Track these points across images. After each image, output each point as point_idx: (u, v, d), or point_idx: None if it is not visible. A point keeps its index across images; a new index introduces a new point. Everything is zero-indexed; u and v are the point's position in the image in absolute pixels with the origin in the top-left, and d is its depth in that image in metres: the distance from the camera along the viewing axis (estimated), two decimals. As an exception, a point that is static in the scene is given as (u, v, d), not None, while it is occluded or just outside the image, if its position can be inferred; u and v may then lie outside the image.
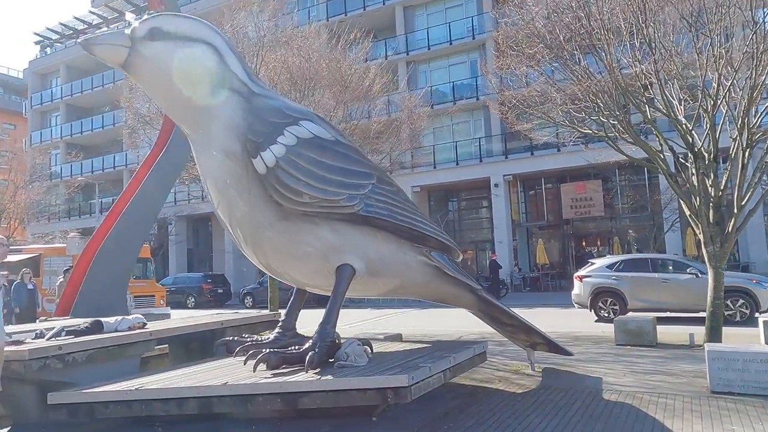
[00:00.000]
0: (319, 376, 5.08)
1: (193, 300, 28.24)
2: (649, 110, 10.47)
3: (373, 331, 12.09)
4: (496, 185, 28.28)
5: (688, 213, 9.83)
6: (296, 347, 5.78)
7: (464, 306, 7.70)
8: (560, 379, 7.31)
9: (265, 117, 5.59)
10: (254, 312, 12.64)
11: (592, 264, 14.93)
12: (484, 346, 7.14)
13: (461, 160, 29.45)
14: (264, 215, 5.63)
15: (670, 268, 13.83)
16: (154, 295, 19.10)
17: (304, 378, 5.08)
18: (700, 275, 12.49)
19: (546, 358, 8.37)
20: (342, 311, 6.05)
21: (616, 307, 13.60)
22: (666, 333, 10.64)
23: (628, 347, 9.53)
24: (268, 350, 5.62)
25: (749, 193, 9.41)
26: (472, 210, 33.40)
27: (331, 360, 5.51)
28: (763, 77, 8.83)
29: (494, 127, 29.56)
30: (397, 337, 9.98)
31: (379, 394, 4.87)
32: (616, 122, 10.27)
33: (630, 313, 12.71)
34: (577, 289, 14.44)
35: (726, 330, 9.45)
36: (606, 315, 13.63)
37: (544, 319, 13.23)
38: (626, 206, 25.14)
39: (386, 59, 26.35)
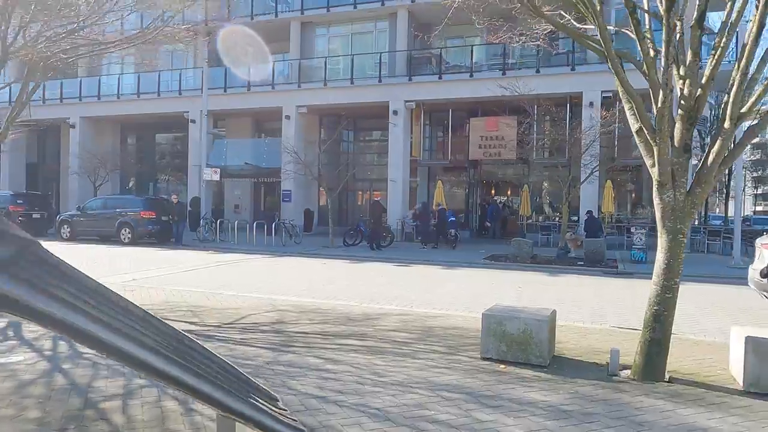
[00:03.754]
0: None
1: (-3, 225, 21.82)
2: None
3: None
4: (395, 112, 23.33)
5: (636, 128, 5.25)
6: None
7: None
8: None
9: None
10: None
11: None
12: None
13: (357, 79, 24.18)
14: None
15: None
16: None
17: None
18: None
19: None
20: None
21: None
22: None
23: None
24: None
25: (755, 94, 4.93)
26: (369, 142, 28.47)
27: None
28: None
29: (399, 40, 24.35)
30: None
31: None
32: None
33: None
34: (762, 263, 8.23)
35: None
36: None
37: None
38: (543, 149, 21.17)
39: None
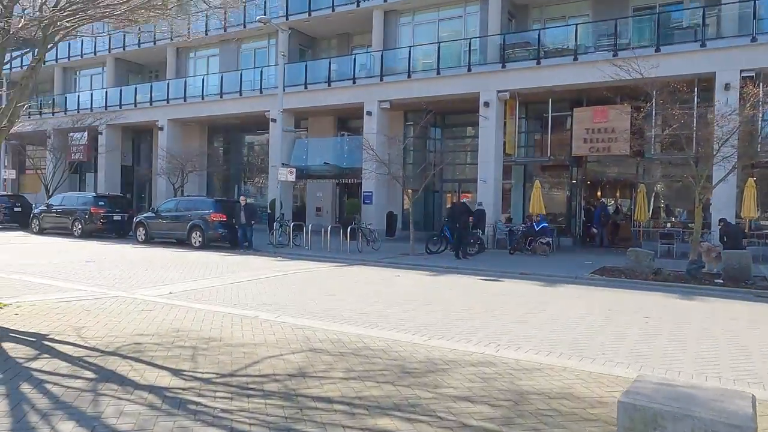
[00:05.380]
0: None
1: (79, 227, 21.82)
2: None
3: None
4: (486, 104, 20.78)
5: None
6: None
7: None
8: None
9: None
10: None
11: None
12: None
13: (444, 69, 21.87)
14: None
15: None
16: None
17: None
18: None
19: None
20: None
21: None
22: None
23: None
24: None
25: None
26: (457, 138, 26.04)
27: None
28: None
29: (492, 24, 21.76)
30: None
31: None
32: None
33: None
34: None
35: None
36: None
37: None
38: (663, 142, 17.78)
39: None
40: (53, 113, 33.99)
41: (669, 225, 20.71)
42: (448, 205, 21.60)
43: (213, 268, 13.08)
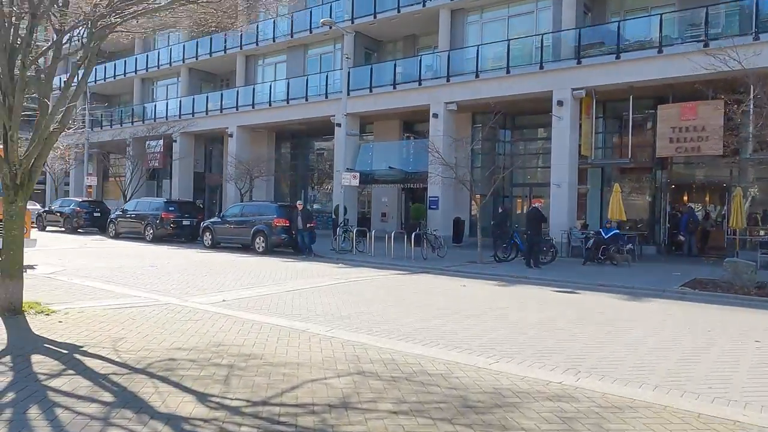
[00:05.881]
0: None
1: (151, 231, 22.32)
2: None
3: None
4: (559, 103, 19.54)
5: None
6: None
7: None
8: None
9: None
10: None
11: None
12: None
13: (514, 67, 20.78)
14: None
15: None
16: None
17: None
18: None
19: None
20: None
21: None
22: None
23: None
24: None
25: None
26: (529, 141, 24.77)
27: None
28: None
29: (566, 18, 20.49)
30: None
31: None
32: None
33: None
34: None
35: None
36: None
37: None
38: (762, 142, 15.92)
39: None
40: (132, 122, 35.41)
41: (764, 233, 18.64)
42: (500, 210, 20.39)
43: (272, 274, 12.72)
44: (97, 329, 6.26)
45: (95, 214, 27.24)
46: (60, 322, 6.57)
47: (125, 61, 37.35)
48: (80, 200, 29.07)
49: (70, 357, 5.06)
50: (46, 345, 5.46)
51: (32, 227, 24.96)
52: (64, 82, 7.14)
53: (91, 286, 9.81)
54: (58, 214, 27.64)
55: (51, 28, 7.22)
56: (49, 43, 7.33)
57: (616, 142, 21.92)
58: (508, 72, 20.77)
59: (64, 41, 7.32)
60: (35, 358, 4.98)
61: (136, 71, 36.68)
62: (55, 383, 4.30)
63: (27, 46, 6.53)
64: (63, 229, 26.95)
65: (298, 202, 19.71)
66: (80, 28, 7.18)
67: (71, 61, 7.64)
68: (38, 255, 14.84)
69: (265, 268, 14.08)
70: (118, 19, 6.71)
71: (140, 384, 4.37)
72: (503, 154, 23.91)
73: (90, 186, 39.76)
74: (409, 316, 8.07)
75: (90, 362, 4.91)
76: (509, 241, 17.47)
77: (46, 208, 30.14)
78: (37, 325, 6.36)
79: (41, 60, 7.45)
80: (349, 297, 9.70)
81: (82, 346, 5.44)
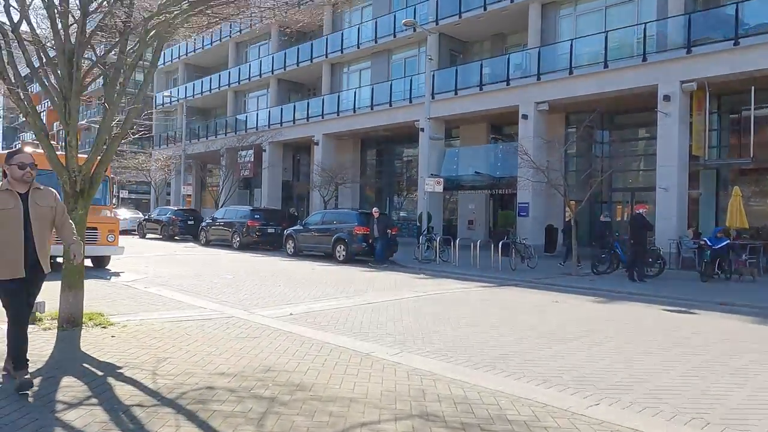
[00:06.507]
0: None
1: (237, 239, 22.61)
2: None
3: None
4: (666, 98, 17.60)
5: None
6: None
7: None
8: None
9: None
10: None
11: None
12: None
13: (612, 61, 19.04)
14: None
15: None
16: (96, 229, 13.27)
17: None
18: None
19: None
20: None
21: None
22: None
23: None
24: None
25: None
26: (630, 141, 22.67)
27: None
28: None
29: (672, 3, 18.50)
30: None
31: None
32: None
33: None
34: None
35: None
36: None
37: None
38: None
39: None
40: (225, 133, 36.63)
41: None
42: (601, 219, 18.56)
43: (348, 284, 12.10)
44: (146, 346, 5.82)
45: (189, 222, 28.21)
46: (113, 336, 6.21)
47: (219, 75, 38.81)
48: (176, 209, 30.29)
49: (101, 381, 4.58)
50: (85, 364, 5.04)
51: (126, 234, 26.20)
52: (121, 83, 6.83)
53: (162, 295, 9.61)
54: (156, 222, 28.92)
55: (106, 31, 6.97)
56: (111, 45, 7.09)
57: (734, 140, 19.49)
58: (605, 66, 19.08)
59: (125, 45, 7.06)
60: (65, 381, 4.54)
61: (229, 84, 37.97)
62: (68, 416, 3.78)
63: (80, 46, 6.28)
64: (160, 236, 28.12)
65: (375, 209, 19.08)
66: (141, 28, 6.85)
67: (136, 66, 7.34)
68: (129, 262, 15.22)
69: (343, 277, 13.51)
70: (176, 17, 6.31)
71: (161, 421, 3.75)
72: (601, 156, 22.02)
73: (188, 195, 41.67)
74: (491, 337, 7.07)
75: (120, 389, 4.39)
76: (609, 251, 15.82)
77: (146, 216, 31.72)
78: (89, 339, 6.03)
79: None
80: (425, 312, 8.82)
81: (120, 368, 4.97)
